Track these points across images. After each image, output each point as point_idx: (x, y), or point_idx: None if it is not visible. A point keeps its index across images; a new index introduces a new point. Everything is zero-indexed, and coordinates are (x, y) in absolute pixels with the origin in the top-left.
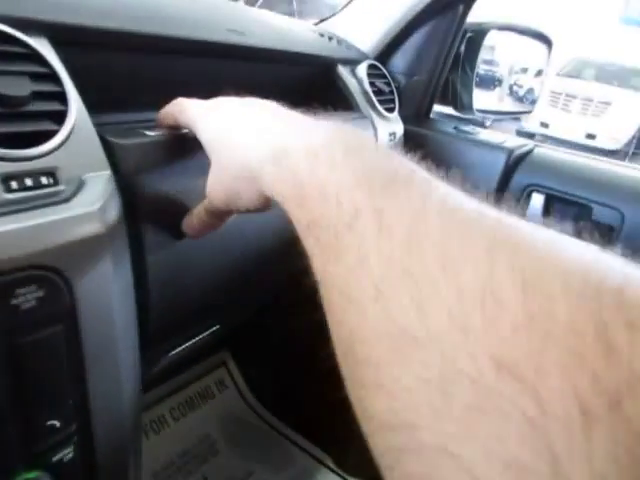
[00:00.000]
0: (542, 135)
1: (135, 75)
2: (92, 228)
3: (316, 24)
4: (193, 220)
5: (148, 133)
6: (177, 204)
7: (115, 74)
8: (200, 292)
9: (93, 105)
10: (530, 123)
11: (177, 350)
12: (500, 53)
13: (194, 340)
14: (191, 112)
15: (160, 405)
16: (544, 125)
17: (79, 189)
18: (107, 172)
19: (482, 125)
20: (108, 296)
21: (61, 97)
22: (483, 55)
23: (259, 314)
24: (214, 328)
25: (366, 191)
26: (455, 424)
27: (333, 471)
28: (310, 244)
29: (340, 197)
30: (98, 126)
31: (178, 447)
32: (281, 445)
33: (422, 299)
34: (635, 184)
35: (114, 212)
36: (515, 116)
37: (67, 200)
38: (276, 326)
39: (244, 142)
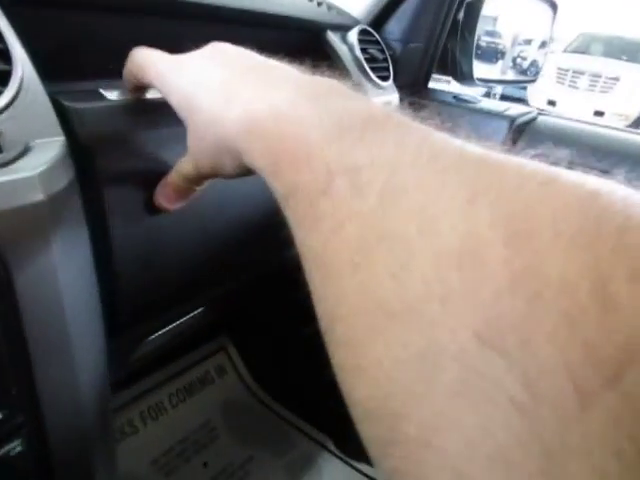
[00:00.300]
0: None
1: (95, 38)
2: (30, 196)
3: None
4: (168, 189)
5: (108, 96)
6: (146, 175)
7: (72, 36)
8: (176, 271)
9: (48, 72)
10: (537, 101)
11: (158, 335)
12: (503, 24)
13: (176, 324)
14: (155, 69)
15: (158, 392)
16: (551, 103)
17: (23, 154)
18: (60, 138)
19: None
20: (53, 273)
21: (4, 56)
22: (485, 26)
23: (257, 297)
24: (198, 311)
25: (337, 147)
26: (438, 413)
27: (335, 455)
28: (289, 216)
29: (312, 160)
30: (52, 93)
31: (177, 433)
32: (282, 429)
33: (397, 267)
34: None
35: (62, 180)
36: (519, 85)
37: (5, 164)
38: (275, 309)
39: (215, 109)
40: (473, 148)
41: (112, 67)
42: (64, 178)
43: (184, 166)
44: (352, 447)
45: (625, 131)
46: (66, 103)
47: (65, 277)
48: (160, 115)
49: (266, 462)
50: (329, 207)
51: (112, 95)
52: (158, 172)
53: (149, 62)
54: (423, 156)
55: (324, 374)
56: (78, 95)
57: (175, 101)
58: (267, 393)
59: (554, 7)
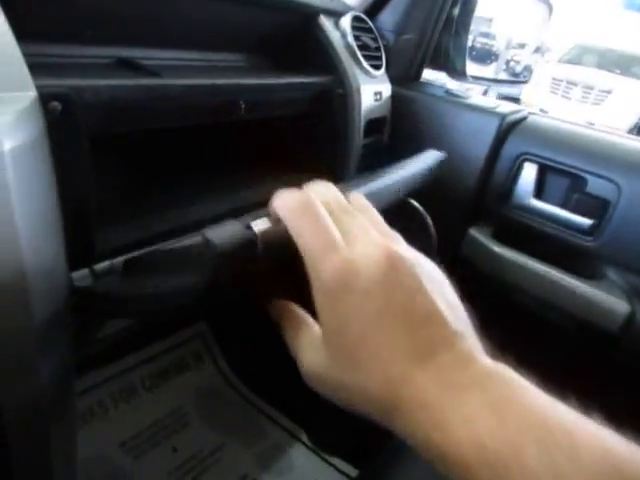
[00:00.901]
0: None
1: (75, 3)
2: None
3: None
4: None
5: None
6: None
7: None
8: None
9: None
10: (529, 109)
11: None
12: (498, 26)
13: None
14: (315, 259)
15: (131, 374)
16: (543, 112)
17: None
18: (30, 94)
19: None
20: (13, 233)
21: None
22: (480, 27)
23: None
24: None
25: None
26: None
27: (306, 446)
28: None
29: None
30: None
31: (148, 418)
32: (255, 418)
33: None
34: (634, 155)
35: (22, 136)
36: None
37: None
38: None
39: (382, 389)
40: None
41: (91, 34)
42: (25, 133)
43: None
44: (325, 440)
45: (616, 135)
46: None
47: (26, 236)
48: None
49: (237, 450)
50: None
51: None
52: None
53: (313, 244)
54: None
55: None
56: None
57: (326, 324)
58: (243, 382)
59: (550, 8)
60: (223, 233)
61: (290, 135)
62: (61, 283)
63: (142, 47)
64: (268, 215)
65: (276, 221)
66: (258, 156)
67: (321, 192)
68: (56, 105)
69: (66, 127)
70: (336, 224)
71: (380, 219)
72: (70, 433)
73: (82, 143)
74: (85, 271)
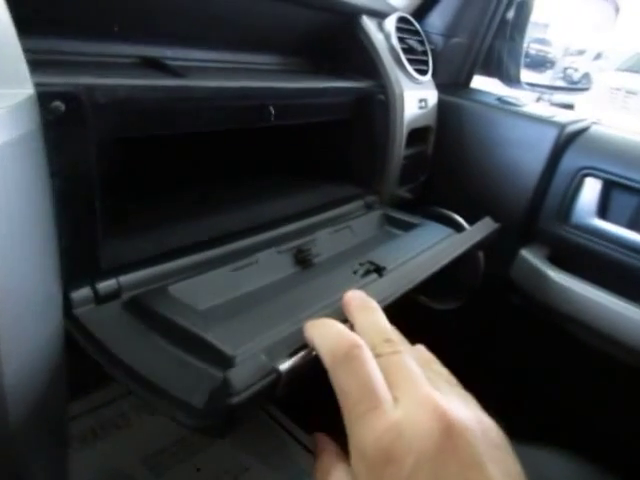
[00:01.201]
0: None
1: None
2: None
3: None
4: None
5: None
6: None
7: None
8: None
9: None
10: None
11: None
12: (554, 32)
13: None
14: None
15: None
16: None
17: None
18: (26, 91)
19: None
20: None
21: None
22: (535, 33)
23: None
24: None
25: None
26: None
27: None
28: None
29: None
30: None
31: (172, 434)
32: (285, 442)
33: None
34: None
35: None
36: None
37: None
38: None
39: None
40: None
41: (118, 31)
42: (13, 132)
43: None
44: None
45: None
46: None
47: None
48: None
49: (264, 474)
50: None
51: None
52: None
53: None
54: None
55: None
56: None
57: None
58: (273, 403)
59: (616, 8)
60: (244, 374)
61: (325, 143)
62: (53, 304)
63: (173, 46)
64: (299, 350)
65: (309, 352)
66: (288, 164)
67: (367, 327)
68: (58, 105)
69: (70, 128)
70: (383, 372)
71: (433, 361)
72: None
73: (88, 146)
74: (86, 290)
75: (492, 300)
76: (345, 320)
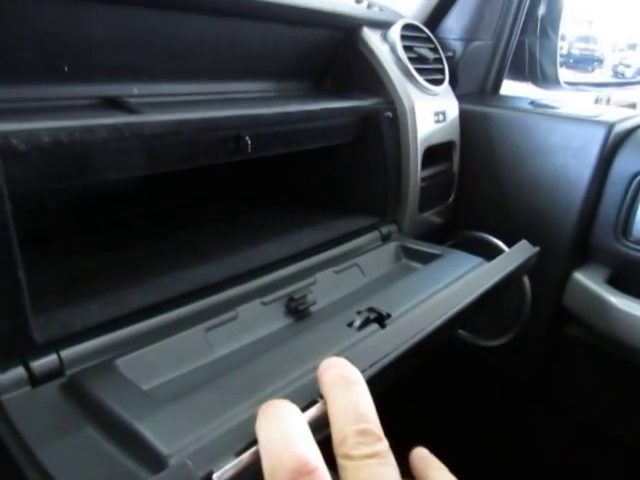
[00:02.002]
0: None
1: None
2: None
3: None
4: None
5: None
6: None
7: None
8: None
9: None
10: None
11: None
12: (599, 28)
13: None
14: None
15: None
16: None
17: None
18: None
19: None
20: None
21: None
22: (577, 31)
23: None
24: None
25: None
26: None
27: None
28: None
29: None
30: None
31: None
32: None
33: None
34: None
35: None
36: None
37: None
38: None
39: None
40: None
41: (68, 70)
42: None
43: None
44: None
45: None
46: None
47: None
48: None
49: None
50: None
51: None
52: None
53: None
54: None
55: None
56: None
57: None
58: None
59: None
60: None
61: (330, 169)
62: None
63: (141, 82)
64: (248, 447)
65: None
66: (286, 196)
67: (341, 410)
68: None
69: None
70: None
71: (437, 467)
72: None
73: (1, 206)
74: (18, 371)
75: (544, 332)
76: (320, 396)
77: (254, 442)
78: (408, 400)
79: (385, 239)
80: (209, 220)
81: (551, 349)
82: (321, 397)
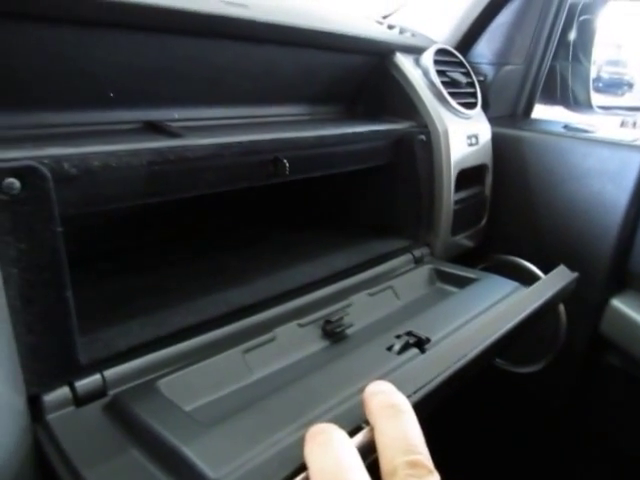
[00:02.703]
0: None
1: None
2: None
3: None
4: None
5: None
6: None
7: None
8: None
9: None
10: None
11: None
12: (629, 52)
13: None
14: None
15: None
16: None
17: None
18: None
19: None
20: None
21: None
22: (607, 55)
23: None
24: None
25: None
26: None
27: None
28: None
29: None
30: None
31: None
32: None
33: None
34: None
35: None
36: None
37: None
38: None
39: None
40: None
41: (112, 95)
42: None
43: None
44: None
45: None
46: None
47: None
48: None
49: None
50: None
51: None
52: None
53: None
54: None
55: None
56: None
57: None
58: None
59: None
60: None
61: (363, 191)
62: (13, 412)
63: (180, 107)
64: (296, 473)
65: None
66: (319, 217)
67: (390, 439)
68: (11, 182)
69: (30, 208)
70: None
71: None
72: None
73: (54, 227)
74: (63, 391)
75: (579, 360)
76: (366, 422)
77: (302, 468)
78: (438, 427)
79: (418, 262)
80: (242, 242)
81: (586, 377)
82: (366, 423)
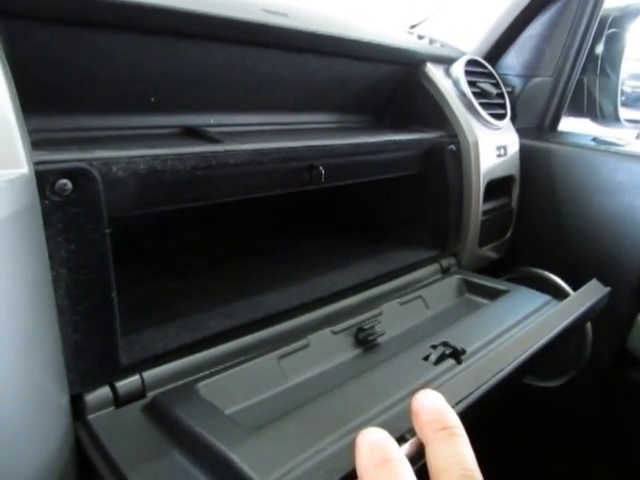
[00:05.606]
0: None
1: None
2: None
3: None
4: None
5: None
6: None
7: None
8: None
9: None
10: None
11: None
12: None
13: None
14: None
15: None
16: None
17: None
18: (18, 171)
19: None
20: None
21: None
22: (631, 69)
23: None
24: None
25: None
26: None
27: None
28: None
29: None
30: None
31: None
32: None
33: None
34: None
35: None
36: None
37: None
38: None
39: None
40: None
41: (153, 100)
42: None
43: None
44: None
45: None
46: None
47: None
48: None
49: None
50: None
51: None
52: None
53: None
54: None
55: None
56: None
57: None
58: None
59: None
60: None
61: (391, 200)
62: (56, 410)
63: (217, 113)
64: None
65: None
66: (348, 225)
67: (447, 463)
68: (64, 183)
69: (81, 209)
70: None
71: None
72: None
73: (103, 229)
74: (104, 391)
75: (605, 375)
76: (411, 431)
77: (349, 476)
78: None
79: (444, 272)
80: (273, 248)
81: (611, 393)
82: (410, 433)
